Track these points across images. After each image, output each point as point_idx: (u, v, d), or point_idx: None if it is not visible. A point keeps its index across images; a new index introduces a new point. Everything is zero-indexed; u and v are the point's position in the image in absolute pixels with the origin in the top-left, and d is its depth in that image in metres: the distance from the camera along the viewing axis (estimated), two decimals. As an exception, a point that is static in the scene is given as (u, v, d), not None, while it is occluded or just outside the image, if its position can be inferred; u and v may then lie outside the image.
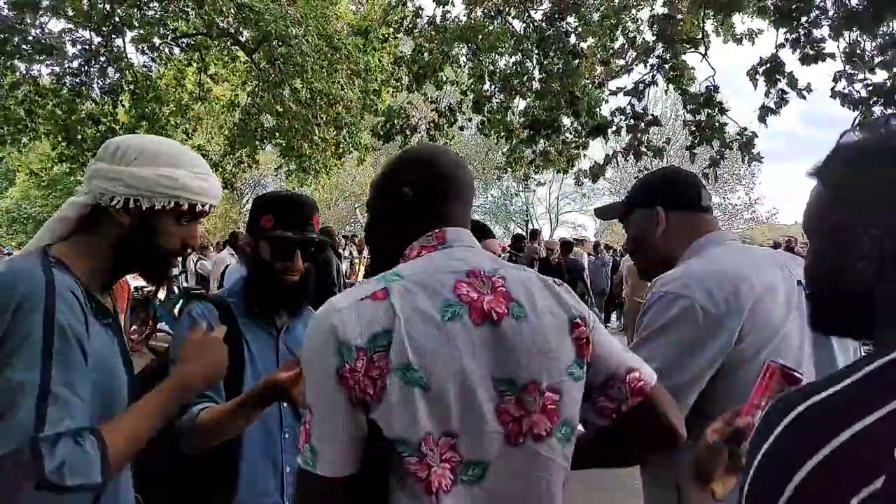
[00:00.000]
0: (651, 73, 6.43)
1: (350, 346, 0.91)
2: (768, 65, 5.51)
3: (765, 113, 5.60)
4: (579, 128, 6.98)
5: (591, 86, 6.79)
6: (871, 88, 5.08)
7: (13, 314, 0.99)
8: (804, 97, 5.40)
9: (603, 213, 1.73)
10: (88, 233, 1.18)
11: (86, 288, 1.12)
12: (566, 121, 6.91)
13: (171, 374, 1.22)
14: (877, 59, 5.04)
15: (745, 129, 5.80)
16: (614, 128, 6.42)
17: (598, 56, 7.02)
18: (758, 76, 5.59)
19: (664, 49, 6.19)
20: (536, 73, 7.05)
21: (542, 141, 7.11)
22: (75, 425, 0.98)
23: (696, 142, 5.99)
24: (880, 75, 5.13)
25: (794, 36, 5.36)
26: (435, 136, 7.56)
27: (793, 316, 1.34)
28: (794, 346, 1.32)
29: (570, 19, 6.81)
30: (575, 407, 1.03)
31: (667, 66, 6.15)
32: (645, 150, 6.26)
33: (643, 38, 6.65)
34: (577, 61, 6.58)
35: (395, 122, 7.44)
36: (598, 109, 6.59)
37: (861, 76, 5.22)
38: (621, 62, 6.87)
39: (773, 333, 1.30)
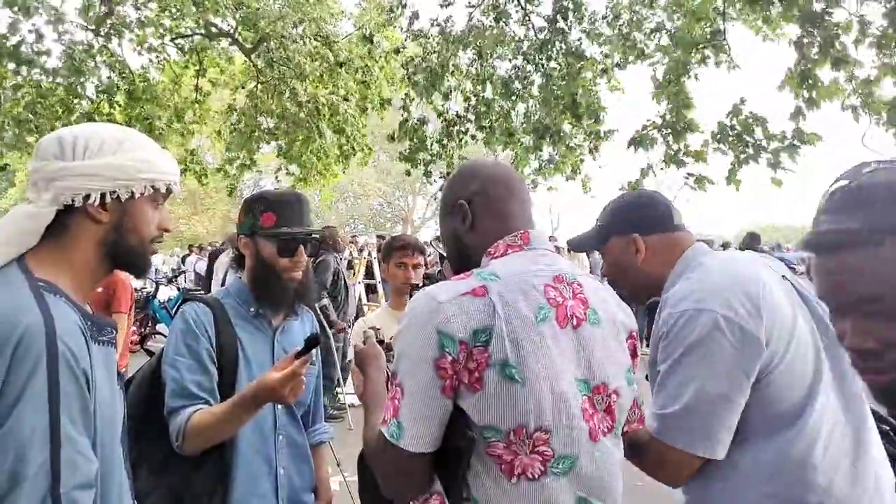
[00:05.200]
0: (682, 81, 6.24)
1: (454, 338, 0.98)
2: (802, 67, 5.27)
3: (796, 114, 5.27)
4: (584, 133, 6.88)
5: (592, 90, 6.70)
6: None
7: (12, 356, 0.91)
8: (830, 100, 5.17)
9: (578, 245, 1.70)
10: (60, 240, 1.06)
11: (80, 309, 1.05)
12: (568, 127, 6.83)
13: None
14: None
15: (784, 133, 5.41)
16: (649, 140, 6.21)
17: (602, 64, 6.94)
18: (794, 78, 5.32)
19: (682, 55, 6.04)
20: (538, 79, 6.99)
21: (547, 148, 7.02)
22: (94, 465, 0.97)
23: (736, 163, 5.77)
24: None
25: (820, 39, 5.15)
26: (446, 145, 7.49)
27: (798, 312, 1.32)
28: (808, 343, 1.30)
29: (571, 17, 6.75)
30: (627, 408, 1.15)
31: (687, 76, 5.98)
32: (684, 156, 6.11)
33: (660, 45, 6.49)
34: (580, 63, 6.51)
35: (420, 135, 7.33)
36: (602, 114, 6.50)
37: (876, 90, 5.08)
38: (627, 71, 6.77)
39: (789, 333, 1.28)
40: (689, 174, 5.95)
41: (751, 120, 5.64)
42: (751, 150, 5.62)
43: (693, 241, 1.50)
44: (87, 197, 1.06)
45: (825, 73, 5.21)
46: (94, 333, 1.05)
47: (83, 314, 1.04)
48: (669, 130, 6.06)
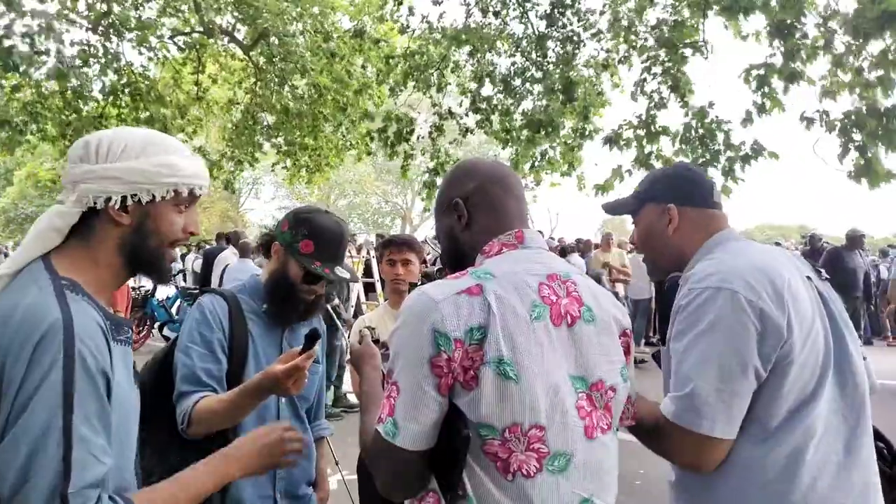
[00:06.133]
0: (656, 83, 6.32)
1: (448, 336, 0.99)
2: (760, 70, 5.49)
3: (745, 122, 5.59)
4: (577, 126, 6.93)
5: (590, 86, 6.74)
6: (848, 114, 5.01)
7: (32, 353, 0.92)
8: (783, 109, 5.46)
9: (612, 209, 1.67)
10: (84, 241, 1.09)
11: (101, 308, 1.06)
12: (567, 123, 6.86)
13: (231, 459, 1.19)
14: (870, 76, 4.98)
15: (742, 144, 5.63)
16: (623, 140, 6.26)
17: (601, 57, 6.97)
18: (751, 79, 5.53)
19: (667, 55, 6.11)
20: (536, 74, 7.01)
21: (543, 143, 7.07)
22: (106, 466, 0.96)
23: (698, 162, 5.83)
24: (850, 99, 5.11)
25: (783, 49, 5.35)
26: (437, 139, 7.52)
27: (816, 313, 1.31)
28: (821, 346, 1.29)
29: (569, 14, 6.79)
30: (622, 405, 1.15)
31: (670, 73, 6.04)
32: (655, 159, 6.12)
33: (645, 45, 6.54)
34: (575, 49, 6.56)
35: (397, 126, 7.35)
36: (595, 110, 6.53)
37: (834, 100, 5.20)
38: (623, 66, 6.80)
39: (808, 330, 1.27)
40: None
41: (714, 126, 5.73)
42: (708, 156, 5.73)
43: (726, 224, 1.49)
44: (109, 199, 1.08)
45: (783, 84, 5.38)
46: (113, 333, 1.06)
47: (104, 313, 1.05)
48: (644, 131, 6.12)
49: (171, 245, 1.16)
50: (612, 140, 6.22)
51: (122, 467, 1.06)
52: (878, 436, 1.46)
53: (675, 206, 1.48)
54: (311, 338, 1.49)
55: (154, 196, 1.10)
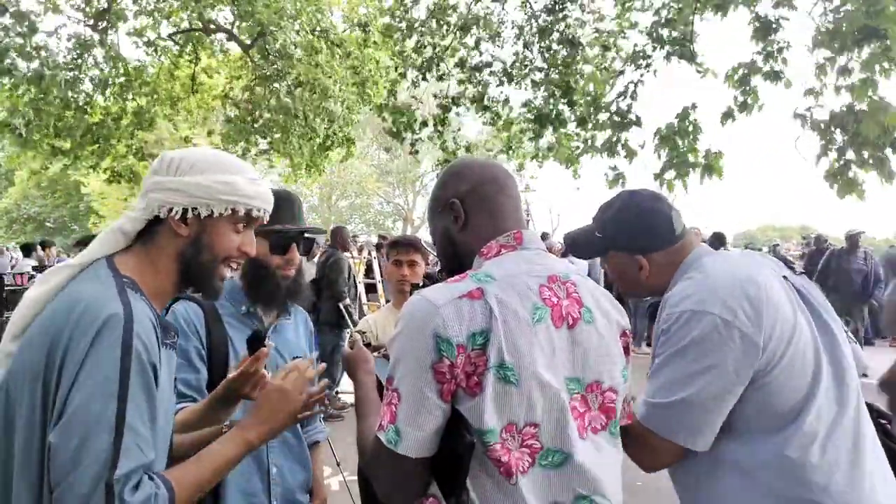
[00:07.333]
0: (640, 74, 6.36)
1: (451, 342, 0.97)
2: (743, 70, 5.50)
3: (725, 118, 5.61)
4: (582, 120, 6.93)
5: (595, 77, 6.74)
6: (831, 115, 5.04)
7: (91, 344, 0.97)
8: (759, 109, 5.51)
9: (578, 249, 1.61)
10: (146, 246, 1.16)
11: (154, 310, 1.11)
12: (569, 114, 6.87)
13: (245, 423, 1.23)
14: (846, 81, 5.00)
15: (709, 150, 5.65)
16: (600, 122, 6.33)
17: (602, 61, 6.98)
18: (735, 79, 5.56)
19: (663, 48, 6.12)
20: (539, 63, 7.03)
21: (547, 135, 7.07)
22: (148, 459, 0.99)
23: (665, 168, 5.85)
24: (837, 100, 5.18)
25: (768, 50, 5.40)
26: (443, 131, 7.53)
27: (798, 312, 1.32)
28: (808, 343, 1.30)
29: (570, 6, 6.80)
30: (622, 405, 1.15)
31: (682, 43, 6.01)
32: (621, 148, 6.16)
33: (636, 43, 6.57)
34: (575, 51, 6.58)
35: (405, 119, 7.37)
36: (601, 102, 6.53)
37: (821, 102, 5.22)
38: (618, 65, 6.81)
39: (790, 333, 1.28)
40: (613, 167, 6.00)
41: (691, 129, 5.73)
42: (676, 158, 5.73)
43: (695, 244, 1.49)
44: (171, 210, 1.15)
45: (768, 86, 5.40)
46: (162, 336, 1.10)
47: (157, 316, 1.11)
48: (619, 119, 6.13)
49: (224, 262, 1.20)
50: (582, 123, 6.28)
51: (160, 460, 1.09)
52: (883, 414, 1.48)
53: (642, 257, 1.48)
54: (255, 340, 1.44)
55: (213, 212, 1.16)
